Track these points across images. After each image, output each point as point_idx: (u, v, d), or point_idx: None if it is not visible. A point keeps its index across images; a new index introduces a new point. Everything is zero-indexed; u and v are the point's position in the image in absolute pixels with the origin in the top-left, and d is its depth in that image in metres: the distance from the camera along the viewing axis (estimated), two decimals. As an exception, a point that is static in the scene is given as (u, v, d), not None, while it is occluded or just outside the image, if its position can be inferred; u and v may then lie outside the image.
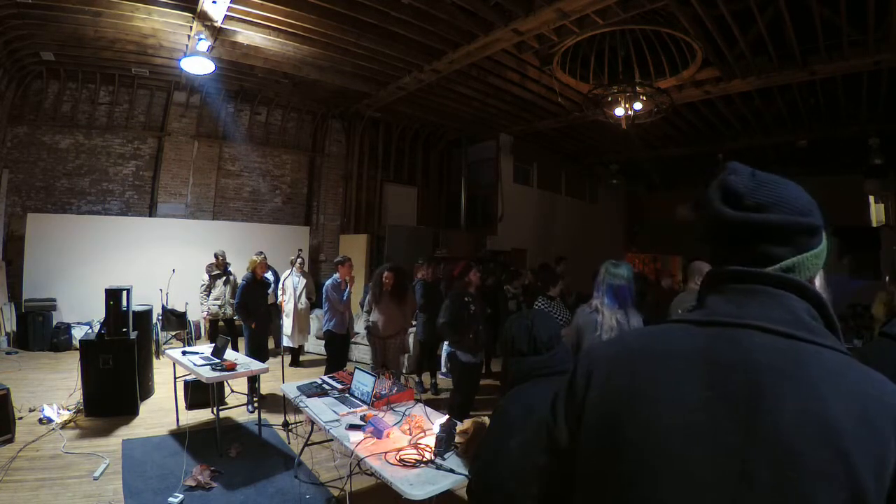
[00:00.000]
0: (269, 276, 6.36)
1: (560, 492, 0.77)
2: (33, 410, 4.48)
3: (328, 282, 5.54)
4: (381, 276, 5.08)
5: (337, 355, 5.46)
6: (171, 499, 3.09)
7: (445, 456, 2.46)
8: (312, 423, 3.33)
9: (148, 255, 8.04)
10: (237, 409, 4.82)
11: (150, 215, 8.91)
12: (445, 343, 4.52)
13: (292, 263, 6.74)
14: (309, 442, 3.81)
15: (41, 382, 5.55)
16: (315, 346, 7.44)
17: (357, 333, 6.40)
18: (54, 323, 7.34)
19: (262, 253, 5.71)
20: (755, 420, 0.59)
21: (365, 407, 3.21)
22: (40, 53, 7.38)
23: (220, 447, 3.85)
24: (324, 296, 5.48)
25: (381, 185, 11.55)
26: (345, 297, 5.48)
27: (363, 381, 3.41)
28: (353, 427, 2.85)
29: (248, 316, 5.39)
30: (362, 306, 5.52)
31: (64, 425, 4.21)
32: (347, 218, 10.96)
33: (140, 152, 9.00)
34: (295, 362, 6.89)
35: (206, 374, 3.98)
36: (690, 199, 16.38)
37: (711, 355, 0.64)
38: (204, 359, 4.33)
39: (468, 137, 11.90)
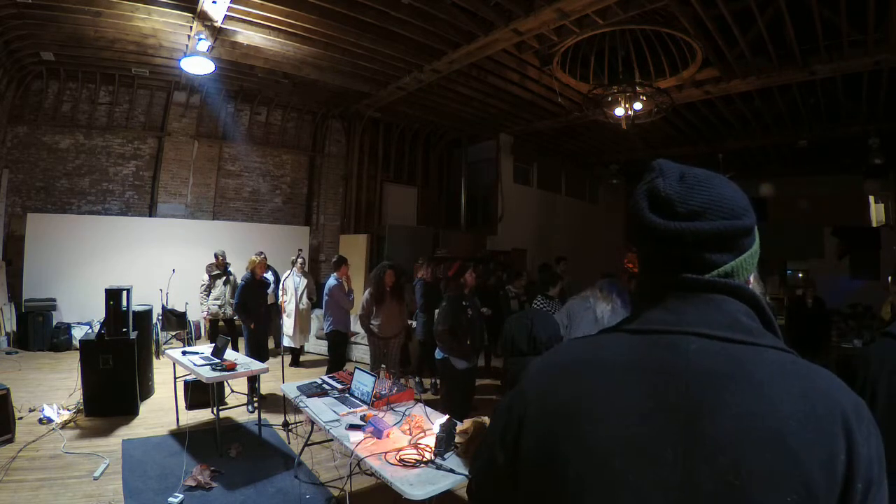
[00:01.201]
0: (269, 276, 6.36)
1: None
2: (33, 410, 4.48)
3: (331, 282, 5.54)
4: (381, 276, 5.06)
5: (341, 355, 5.47)
6: (171, 499, 3.09)
7: (445, 456, 2.46)
8: (312, 423, 3.34)
9: (148, 255, 8.04)
10: (237, 409, 4.83)
11: (150, 215, 8.91)
12: (438, 349, 4.45)
13: (293, 264, 6.74)
14: (309, 442, 3.81)
15: (41, 382, 5.55)
16: (315, 346, 7.44)
17: (356, 333, 6.40)
18: (54, 323, 7.34)
19: (262, 253, 5.71)
20: (697, 429, 0.56)
21: (365, 407, 3.21)
22: (40, 53, 7.38)
23: (220, 447, 3.85)
24: (325, 297, 5.48)
25: (381, 185, 11.55)
26: (350, 297, 5.51)
27: (363, 381, 3.41)
28: (353, 427, 2.85)
29: (248, 316, 5.39)
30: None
31: (64, 425, 4.22)
32: (347, 218, 10.96)
33: (140, 152, 9.00)
34: (295, 362, 6.89)
35: (206, 374, 3.98)
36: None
37: (649, 364, 0.62)
38: (204, 359, 4.33)
39: (468, 137, 11.90)
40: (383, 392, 3.34)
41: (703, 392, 0.58)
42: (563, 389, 0.66)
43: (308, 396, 3.40)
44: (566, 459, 0.61)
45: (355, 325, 6.07)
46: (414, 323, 6.06)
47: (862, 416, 0.58)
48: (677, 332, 0.63)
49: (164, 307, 7.29)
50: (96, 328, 4.92)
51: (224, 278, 6.54)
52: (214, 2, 5.62)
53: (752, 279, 0.70)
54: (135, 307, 4.91)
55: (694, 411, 0.57)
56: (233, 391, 5.08)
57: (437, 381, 6.06)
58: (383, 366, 5.08)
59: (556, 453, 0.63)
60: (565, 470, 0.61)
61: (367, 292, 5.20)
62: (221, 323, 6.49)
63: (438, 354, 4.42)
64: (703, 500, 0.55)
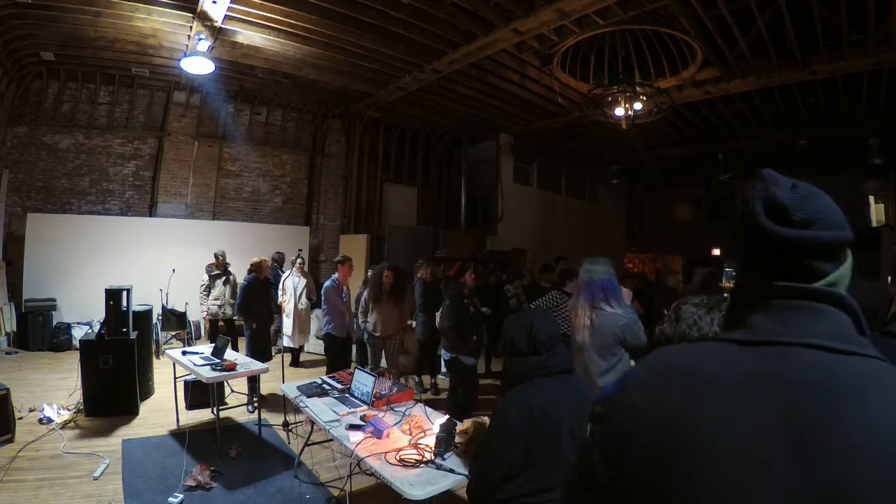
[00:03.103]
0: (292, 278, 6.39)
1: None
2: (33, 410, 4.48)
3: (327, 283, 5.54)
4: (380, 276, 5.06)
5: (338, 358, 5.45)
6: (171, 499, 3.08)
7: (445, 456, 2.46)
8: (312, 423, 3.33)
9: (148, 255, 8.04)
10: (237, 409, 4.83)
11: (150, 215, 8.91)
12: (443, 349, 4.52)
13: (292, 264, 6.74)
14: (309, 442, 3.81)
15: (41, 382, 5.55)
16: (315, 346, 7.44)
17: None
18: (54, 323, 7.34)
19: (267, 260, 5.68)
20: (809, 442, 0.54)
21: (365, 407, 3.21)
22: (40, 53, 7.38)
23: (220, 447, 3.85)
24: (322, 297, 5.48)
25: (381, 185, 11.55)
26: (344, 298, 5.47)
27: (363, 381, 3.41)
28: (353, 427, 2.85)
29: (249, 316, 5.38)
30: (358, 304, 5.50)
31: (64, 425, 4.21)
32: (347, 218, 10.96)
33: (140, 152, 9.00)
34: (295, 362, 6.89)
35: (206, 374, 3.98)
36: (690, 198, 16.42)
37: (760, 376, 0.60)
38: (204, 359, 4.33)
39: (468, 137, 11.90)
40: (383, 392, 3.34)
41: (814, 405, 0.56)
42: (674, 401, 0.64)
43: (308, 396, 3.40)
44: (679, 474, 0.59)
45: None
46: (413, 323, 6.06)
47: None
48: (788, 343, 0.62)
49: (164, 307, 7.29)
50: (96, 328, 4.91)
51: (224, 278, 6.53)
52: (214, 2, 5.62)
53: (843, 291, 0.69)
54: (135, 307, 4.91)
55: (807, 424, 0.55)
56: (233, 391, 5.08)
57: (437, 382, 6.08)
58: (383, 366, 5.09)
59: (666, 467, 0.61)
60: (678, 485, 0.59)
61: (364, 291, 5.20)
62: (221, 323, 6.49)
63: (446, 355, 4.48)
64: None
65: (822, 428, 0.55)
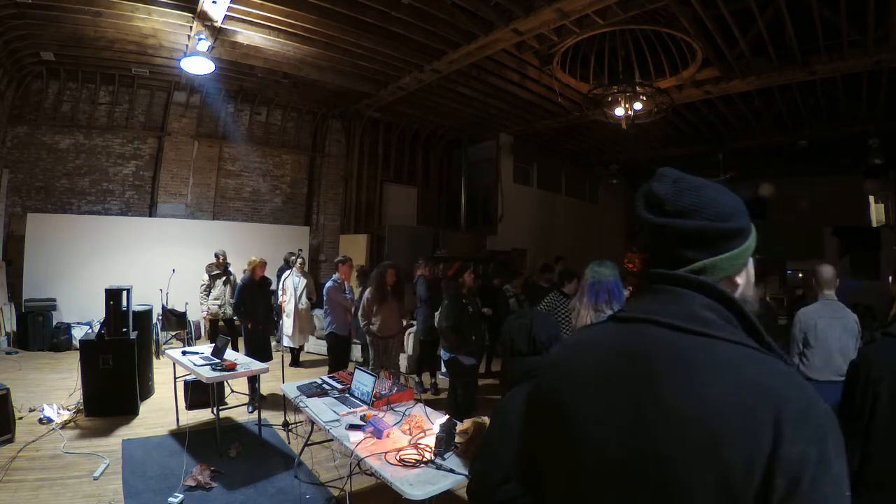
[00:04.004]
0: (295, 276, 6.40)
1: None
2: (33, 410, 4.48)
3: (328, 283, 5.54)
4: (383, 275, 5.06)
5: (341, 357, 5.46)
6: (171, 499, 3.08)
7: (445, 456, 2.46)
8: (312, 423, 3.33)
9: (148, 255, 8.04)
10: (237, 409, 4.82)
11: (150, 215, 8.91)
12: (443, 350, 4.52)
13: (285, 262, 6.73)
14: (309, 442, 3.81)
15: (41, 382, 5.55)
16: (315, 346, 7.44)
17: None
18: (54, 323, 7.34)
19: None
20: (642, 405, 0.65)
21: (365, 407, 3.21)
22: (40, 53, 7.38)
23: (220, 447, 3.85)
24: (324, 297, 5.48)
25: (381, 185, 11.55)
26: (348, 296, 5.49)
27: (363, 381, 3.41)
28: (353, 427, 2.85)
29: (245, 317, 5.38)
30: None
31: (64, 425, 4.21)
32: (347, 218, 10.96)
33: (140, 152, 9.00)
34: (295, 362, 6.89)
35: (206, 374, 3.98)
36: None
37: (619, 347, 0.71)
38: (204, 359, 4.33)
39: (468, 137, 11.90)
40: (383, 392, 3.33)
41: (649, 374, 0.66)
42: (570, 361, 0.79)
43: (308, 396, 3.40)
44: (564, 411, 0.75)
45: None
46: (413, 322, 6.07)
47: (808, 417, 0.59)
48: (641, 319, 0.72)
49: (164, 307, 7.29)
50: (96, 328, 4.91)
51: (224, 278, 6.53)
52: (214, 2, 5.62)
53: (740, 280, 0.76)
54: (135, 307, 4.91)
55: (641, 390, 0.66)
56: (233, 391, 5.08)
57: (437, 382, 6.07)
58: (383, 366, 5.08)
59: (558, 397, 0.77)
60: (562, 411, 0.75)
61: (367, 291, 5.19)
62: (221, 323, 6.48)
63: (445, 355, 4.48)
64: (643, 465, 0.63)
65: (648, 396, 0.65)
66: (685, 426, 0.61)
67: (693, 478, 0.59)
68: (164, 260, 7.76)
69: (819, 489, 0.56)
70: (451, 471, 2.34)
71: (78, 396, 4.63)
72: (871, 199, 11.36)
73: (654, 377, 0.65)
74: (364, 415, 3.00)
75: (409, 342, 6.62)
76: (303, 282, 6.65)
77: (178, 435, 4.16)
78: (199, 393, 4.72)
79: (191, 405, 4.72)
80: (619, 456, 0.65)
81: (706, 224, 0.71)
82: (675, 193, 0.73)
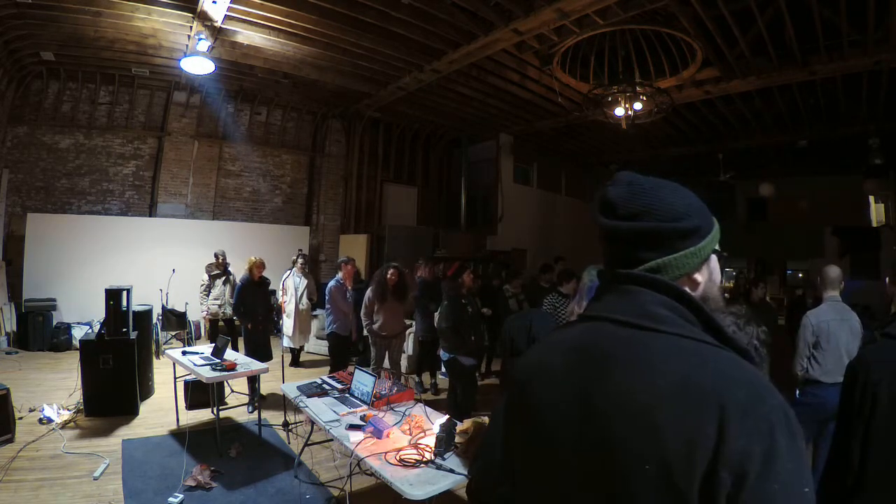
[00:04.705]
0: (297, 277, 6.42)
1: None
2: (33, 410, 4.48)
3: (331, 283, 5.54)
4: (385, 276, 5.06)
5: (342, 357, 5.46)
6: (171, 499, 3.08)
7: (445, 456, 2.46)
8: (312, 423, 3.33)
9: (148, 255, 8.04)
10: (237, 409, 4.82)
11: (150, 215, 8.91)
12: (442, 350, 4.51)
13: (293, 263, 6.73)
14: (309, 442, 3.81)
15: (41, 382, 5.55)
16: (315, 346, 7.44)
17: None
18: (54, 323, 7.34)
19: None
20: (592, 398, 0.68)
21: (365, 407, 3.21)
22: (40, 53, 7.38)
23: (220, 447, 3.85)
24: (326, 297, 5.48)
25: (381, 185, 11.55)
26: (349, 298, 5.48)
27: (363, 381, 3.41)
28: (353, 427, 2.85)
29: (244, 317, 5.38)
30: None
31: (64, 425, 4.21)
32: (347, 218, 10.96)
33: (140, 152, 9.00)
34: (295, 362, 6.89)
35: (206, 374, 3.98)
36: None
37: (577, 344, 0.75)
38: (204, 359, 4.33)
39: (468, 137, 11.90)
40: (383, 392, 3.33)
41: (600, 368, 0.69)
42: (539, 359, 0.82)
43: (308, 396, 3.40)
44: (531, 407, 0.77)
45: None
46: (413, 322, 6.06)
47: (753, 411, 0.59)
48: (597, 317, 0.75)
49: (164, 307, 7.29)
50: (96, 328, 4.91)
51: (224, 278, 6.53)
52: (214, 2, 5.62)
53: (700, 277, 0.77)
54: (135, 307, 4.91)
55: (591, 384, 0.69)
56: (233, 391, 5.08)
57: (437, 382, 6.07)
58: (384, 366, 5.09)
59: (528, 394, 0.79)
60: (532, 405, 0.78)
61: (369, 290, 5.20)
62: (221, 323, 6.48)
63: (444, 356, 4.48)
64: (592, 453, 0.66)
65: (597, 388, 0.68)
66: (629, 416, 0.63)
67: (635, 466, 0.61)
68: (164, 260, 7.76)
69: (765, 485, 0.56)
70: (451, 471, 2.34)
71: (78, 396, 4.63)
72: (871, 199, 11.36)
73: (604, 370, 0.68)
74: (364, 415, 3.00)
75: (408, 342, 6.62)
76: (304, 282, 6.65)
77: (178, 435, 4.15)
78: (199, 393, 4.72)
79: (191, 405, 4.72)
80: (574, 446, 0.68)
81: (658, 225, 0.73)
82: (627, 196, 0.75)
